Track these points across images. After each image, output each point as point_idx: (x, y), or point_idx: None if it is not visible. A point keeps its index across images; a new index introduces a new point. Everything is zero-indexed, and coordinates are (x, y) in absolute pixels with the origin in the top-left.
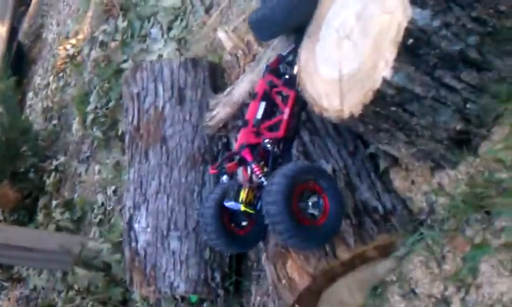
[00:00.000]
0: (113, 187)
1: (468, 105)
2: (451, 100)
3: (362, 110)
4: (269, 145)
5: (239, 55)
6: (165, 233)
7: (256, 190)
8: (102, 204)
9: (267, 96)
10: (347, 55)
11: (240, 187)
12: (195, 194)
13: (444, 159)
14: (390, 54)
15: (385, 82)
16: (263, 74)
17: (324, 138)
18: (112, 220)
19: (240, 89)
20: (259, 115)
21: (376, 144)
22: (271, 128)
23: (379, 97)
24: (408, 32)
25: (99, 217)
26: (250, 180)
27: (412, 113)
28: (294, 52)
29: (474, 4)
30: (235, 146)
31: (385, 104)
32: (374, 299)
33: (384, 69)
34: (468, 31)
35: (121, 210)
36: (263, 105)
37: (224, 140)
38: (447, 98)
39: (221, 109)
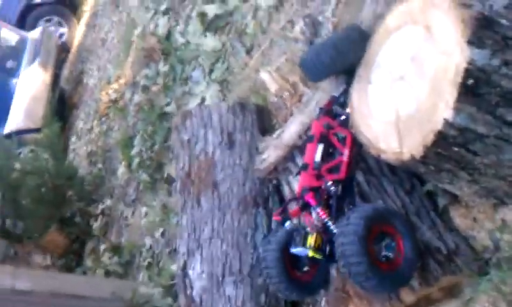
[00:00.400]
0: (161, 230)
1: None
2: None
3: (424, 151)
4: (332, 188)
5: (285, 96)
6: (220, 278)
7: (324, 234)
8: (150, 247)
9: (324, 138)
10: (403, 96)
11: (307, 232)
12: (248, 238)
13: (507, 196)
14: (450, 95)
15: (447, 123)
16: (317, 116)
17: (379, 177)
18: (161, 264)
19: (290, 131)
20: (318, 158)
21: (437, 183)
22: (330, 170)
23: (441, 138)
24: (468, 73)
25: (148, 260)
26: (315, 224)
27: (475, 153)
28: (346, 92)
29: None
30: (295, 190)
31: (447, 145)
32: None
33: (445, 110)
34: None
35: (169, 253)
36: (321, 147)
37: (275, 182)
38: (510, 136)
39: (271, 152)
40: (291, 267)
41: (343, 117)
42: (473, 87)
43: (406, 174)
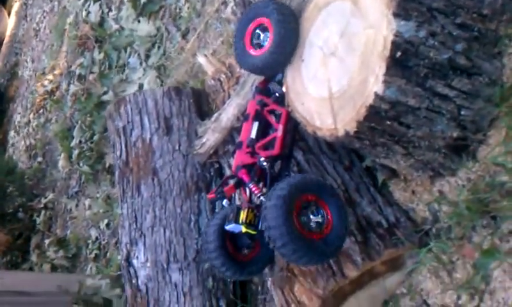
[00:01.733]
0: (106, 221)
1: (462, 112)
2: (445, 109)
3: (357, 127)
4: (265, 163)
5: (222, 79)
6: (165, 266)
7: (256, 210)
8: (96, 238)
9: (259, 116)
10: (335, 72)
11: (239, 208)
12: (192, 224)
13: (443, 167)
14: (379, 68)
15: (377, 97)
16: (253, 95)
17: (318, 156)
18: (108, 255)
19: (228, 113)
20: (253, 135)
21: (374, 158)
22: (266, 147)
23: (373, 112)
24: (395, 46)
25: (94, 252)
26: (250, 200)
27: (408, 125)
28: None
29: (457, 11)
30: (232, 169)
31: (380, 119)
32: None
33: (375, 84)
34: (455, 38)
35: (116, 243)
36: (256, 125)
37: (217, 165)
38: (441, 107)
39: (210, 136)
40: (232, 247)
41: (277, 94)
42: (402, 60)
43: (344, 151)
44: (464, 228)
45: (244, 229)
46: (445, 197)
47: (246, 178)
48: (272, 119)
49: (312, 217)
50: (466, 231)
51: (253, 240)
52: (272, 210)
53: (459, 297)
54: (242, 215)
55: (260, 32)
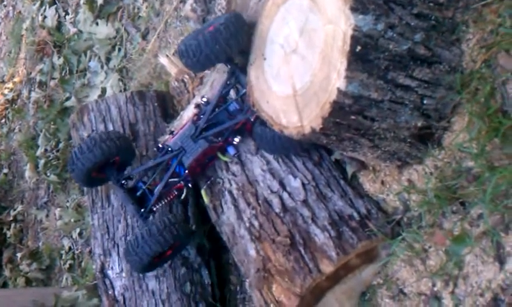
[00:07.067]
0: (78, 230)
1: (425, 101)
2: (408, 99)
3: (322, 123)
4: None
5: (185, 80)
6: (141, 274)
7: None
8: (70, 248)
9: None
10: (297, 69)
11: None
12: None
13: (410, 156)
14: (340, 64)
15: (340, 92)
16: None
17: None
18: (83, 264)
19: (188, 112)
20: None
21: (342, 152)
22: None
23: (337, 108)
24: (355, 40)
25: (69, 262)
26: None
27: (372, 118)
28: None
29: (414, 1)
30: None
31: (344, 114)
32: (364, 305)
33: (337, 80)
34: (413, 28)
35: (90, 252)
36: None
37: None
38: (403, 98)
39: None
40: None
41: None
42: (362, 54)
43: (313, 146)
44: (434, 215)
45: None
46: (414, 185)
47: None
48: None
49: None
50: (437, 218)
51: None
52: None
53: (434, 284)
54: None
55: None
